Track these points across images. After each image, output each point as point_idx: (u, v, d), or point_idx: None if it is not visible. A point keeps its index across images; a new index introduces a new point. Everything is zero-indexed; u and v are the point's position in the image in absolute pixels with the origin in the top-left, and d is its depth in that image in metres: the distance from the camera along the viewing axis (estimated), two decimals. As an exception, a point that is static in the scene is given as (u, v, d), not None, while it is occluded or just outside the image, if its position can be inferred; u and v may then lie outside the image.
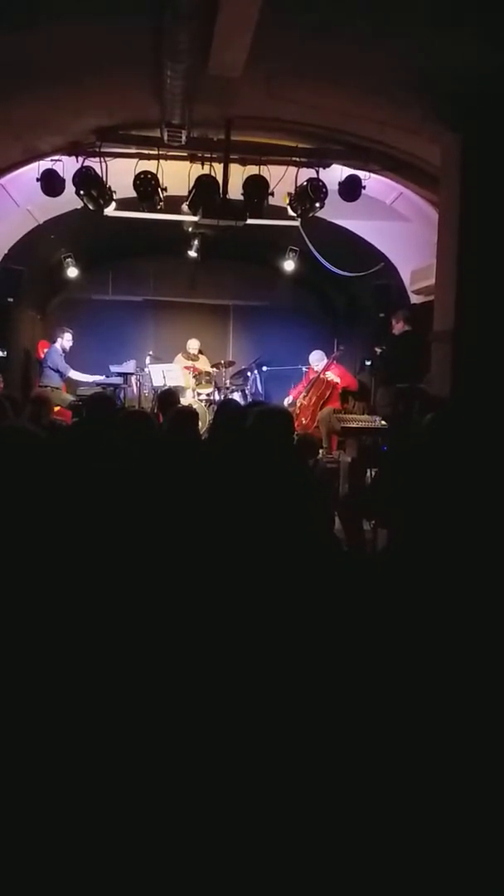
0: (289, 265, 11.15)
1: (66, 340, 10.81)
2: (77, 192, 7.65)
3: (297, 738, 2.20)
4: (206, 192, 7.63)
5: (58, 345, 10.73)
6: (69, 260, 11.06)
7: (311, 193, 7.79)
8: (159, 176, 7.78)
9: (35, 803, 1.93)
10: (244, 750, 2.11)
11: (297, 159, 7.83)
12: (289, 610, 2.87)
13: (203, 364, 11.78)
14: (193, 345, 11.82)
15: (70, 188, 7.68)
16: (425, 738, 2.19)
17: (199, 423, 7.65)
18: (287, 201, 8.23)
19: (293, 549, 3.32)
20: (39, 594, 2.65)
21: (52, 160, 7.63)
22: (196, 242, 10.98)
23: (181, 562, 3.11)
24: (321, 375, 10.48)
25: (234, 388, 11.56)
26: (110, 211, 8.42)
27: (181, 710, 2.27)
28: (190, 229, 10.02)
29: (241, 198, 7.88)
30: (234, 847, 1.78)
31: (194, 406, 9.83)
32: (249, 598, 2.95)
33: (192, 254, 11.33)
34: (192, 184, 7.76)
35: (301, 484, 3.96)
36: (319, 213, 8.50)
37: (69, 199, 8.03)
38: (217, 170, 7.72)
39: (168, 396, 7.44)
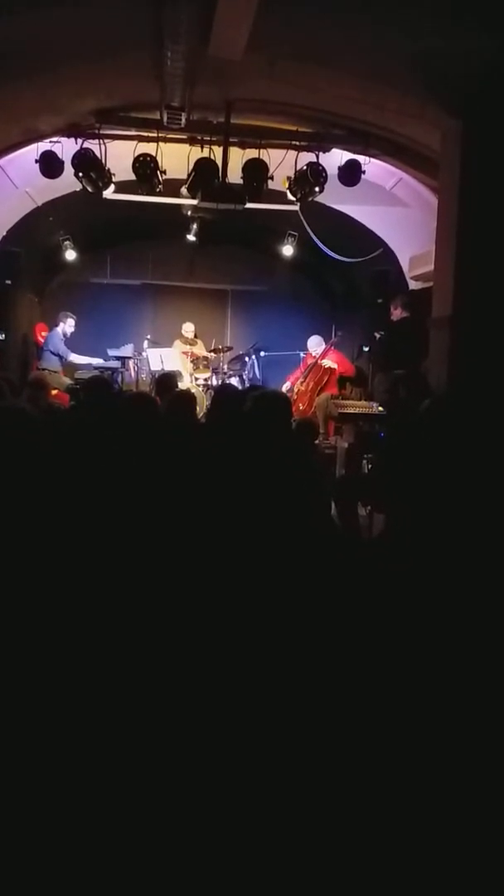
0: (287, 250, 11.12)
1: (68, 325, 10.78)
2: (76, 174, 7.62)
3: (297, 727, 2.20)
4: (205, 176, 7.60)
5: (59, 329, 10.71)
6: (67, 243, 11.01)
7: (310, 177, 7.77)
8: (159, 159, 7.75)
9: (35, 800, 1.93)
10: (244, 742, 2.11)
11: (297, 143, 7.80)
12: (286, 595, 2.88)
13: (200, 349, 11.77)
14: (188, 328, 11.80)
15: (69, 170, 7.64)
16: (425, 728, 2.19)
17: (197, 408, 7.67)
18: (286, 185, 8.20)
19: (291, 533, 3.33)
20: (36, 579, 2.66)
21: (50, 142, 7.59)
22: (195, 226, 10.95)
23: (180, 545, 3.12)
24: (319, 361, 10.47)
25: (231, 373, 11.55)
26: (109, 194, 8.39)
27: (180, 698, 2.27)
28: (189, 213, 9.99)
29: (241, 181, 7.85)
30: (235, 845, 1.78)
31: (192, 391, 9.83)
32: (247, 583, 2.96)
33: (191, 238, 11.29)
34: (191, 167, 7.73)
35: (299, 468, 3.97)
36: (319, 198, 8.47)
37: (68, 182, 8.00)
38: (217, 153, 7.69)
39: (166, 380, 7.44)
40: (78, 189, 8.24)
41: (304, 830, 1.89)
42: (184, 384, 10.14)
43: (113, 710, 2.18)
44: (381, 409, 8.24)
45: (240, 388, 9.61)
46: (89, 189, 7.97)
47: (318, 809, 1.95)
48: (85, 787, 1.92)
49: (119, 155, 7.87)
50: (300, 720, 2.21)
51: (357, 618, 2.84)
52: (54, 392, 9.19)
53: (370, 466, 6.83)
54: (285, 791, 1.98)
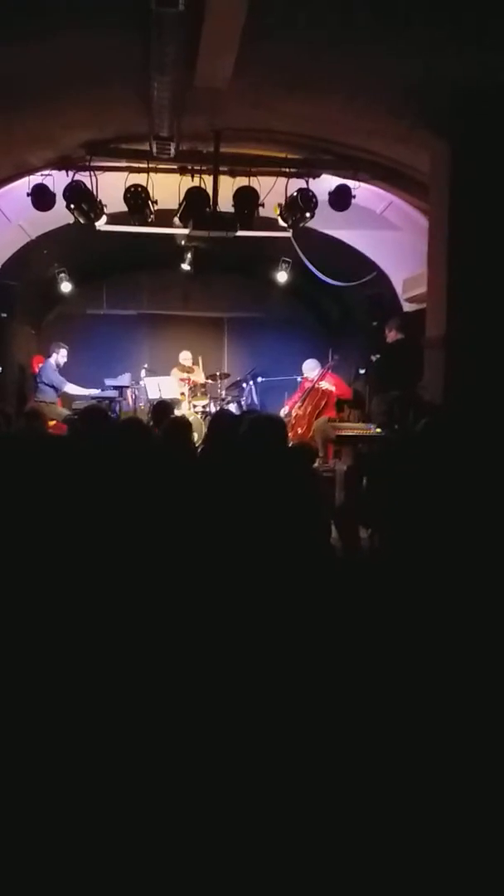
0: (282, 276, 11.17)
1: (61, 356, 10.79)
2: (68, 206, 7.68)
3: (296, 742, 2.18)
4: (196, 204, 7.65)
5: (52, 360, 10.72)
6: (63, 275, 11.08)
7: (301, 203, 7.81)
8: (150, 189, 7.81)
9: (35, 802, 1.92)
10: (243, 753, 2.09)
11: (287, 170, 7.85)
12: (283, 615, 2.85)
13: (198, 376, 11.79)
14: (186, 356, 11.83)
15: (61, 202, 7.70)
16: (422, 740, 2.17)
17: (195, 435, 7.66)
18: (278, 212, 8.25)
19: (288, 556, 3.31)
20: (31, 604, 2.64)
21: (42, 175, 7.66)
22: (189, 256, 11.01)
23: (176, 569, 3.10)
24: (316, 385, 10.48)
25: (229, 399, 11.56)
26: (102, 225, 8.45)
27: (180, 718, 2.25)
28: (182, 242, 10.06)
29: (232, 209, 7.90)
30: (234, 846, 1.77)
31: (190, 418, 9.83)
32: (243, 607, 2.93)
33: (186, 267, 11.35)
34: (182, 196, 7.79)
35: (297, 490, 3.95)
36: (311, 224, 8.52)
37: (61, 214, 8.06)
38: (207, 182, 7.75)
39: (162, 408, 7.44)
40: (71, 221, 8.30)
41: (304, 832, 1.87)
42: (181, 412, 10.15)
43: (115, 723, 2.16)
44: (378, 430, 8.22)
45: (237, 413, 9.60)
46: (81, 221, 8.02)
47: (318, 813, 1.93)
48: (84, 796, 1.90)
49: (110, 186, 7.95)
50: (299, 732, 2.19)
51: (356, 638, 2.81)
52: (52, 423, 9.18)
53: (367, 488, 6.81)
54: (284, 795, 1.96)
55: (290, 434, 9.90)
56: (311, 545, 3.74)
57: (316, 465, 8.17)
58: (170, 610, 2.85)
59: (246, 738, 2.22)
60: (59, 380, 10.59)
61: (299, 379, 10.98)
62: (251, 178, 7.83)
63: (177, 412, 8.72)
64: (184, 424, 5.60)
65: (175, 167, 7.79)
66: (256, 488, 3.68)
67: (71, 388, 10.72)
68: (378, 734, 2.26)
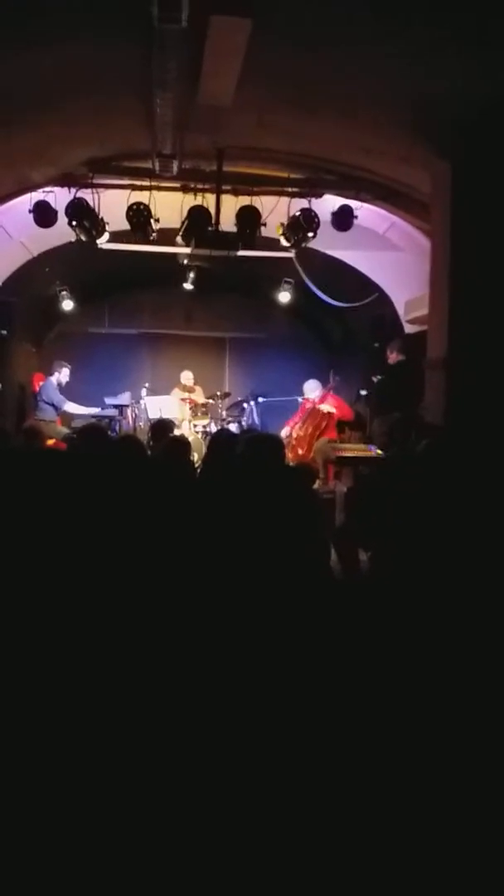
0: (284, 297, 11.16)
1: (62, 375, 10.74)
2: (69, 223, 7.67)
3: (295, 759, 2.13)
4: (198, 223, 7.64)
5: (54, 378, 10.68)
6: (64, 293, 11.07)
7: (303, 223, 7.81)
8: (152, 207, 7.80)
9: (35, 805, 1.89)
10: (241, 770, 2.05)
11: (289, 189, 7.85)
12: (280, 636, 2.79)
13: (199, 396, 11.74)
14: (187, 376, 11.79)
15: (63, 219, 7.69)
16: (422, 757, 2.12)
17: (195, 455, 7.60)
18: (280, 232, 8.24)
19: (286, 576, 3.24)
20: (25, 621, 2.58)
21: (44, 191, 7.65)
22: (191, 275, 11.01)
23: (171, 588, 3.04)
24: (317, 406, 10.43)
25: (230, 419, 11.50)
26: (104, 243, 8.44)
27: (178, 738, 2.20)
28: (185, 262, 10.06)
29: (234, 229, 7.89)
30: (233, 846, 1.75)
31: (190, 438, 9.77)
32: (239, 627, 2.87)
33: (188, 286, 11.34)
34: (184, 215, 7.78)
35: (294, 509, 3.88)
36: (313, 245, 8.52)
37: (63, 232, 8.05)
38: (210, 201, 7.74)
39: (162, 426, 7.39)
40: (73, 239, 8.28)
41: (304, 834, 1.84)
42: (182, 431, 10.10)
43: (112, 741, 2.12)
44: (380, 452, 8.17)
45: (237, 433, 9.55)
46: (83, 238, 8.01)
47: (318, 819, 1.90)
48: (84, 799, 1.87)
49: (112, 204, 7.94)
50: (296, 758, 2.14)
51: (354, 659, 2.75)
52: (51, 442, 9.13)
53: (368, 509, 6.73)
54: (283, 813, 1.92)
55: (290, 455, 9.85)
56: (309, 565, 3.67)
57: (316, 486, 8.11)
58: (164, 629, 2.78)
59: (244, 755, 2.17)
60: (60, 398, 10.54)
61: (300, 399, 10.93)
62: (253, 197, 7.82)
63: (177, 432, 8.67)
64: (182, 443, 5.53)
65: (177, 185, 7.79)
66: (254, 507, 3.62)
67: (71, 407, 10.67)
68: (378, 752, 2.21)
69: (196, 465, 6.53)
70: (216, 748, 2.26)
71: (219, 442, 6.17)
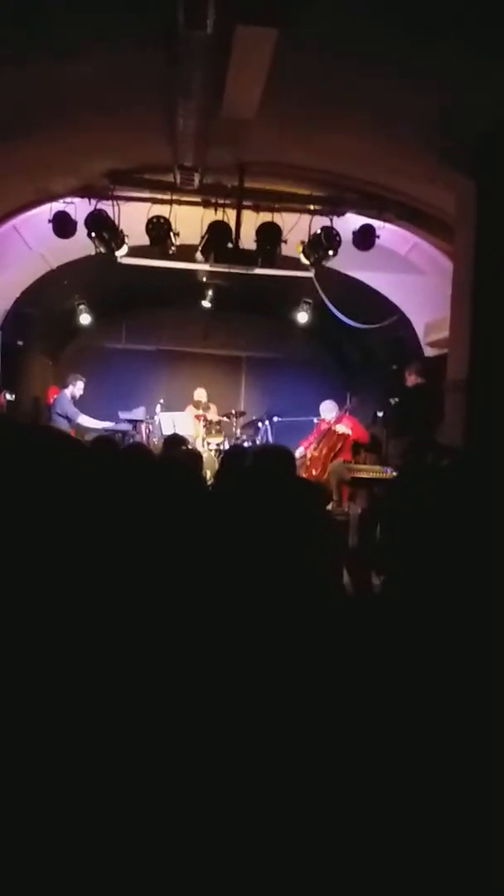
0: (302, 317, 11.11)
1: (77, 388, 10.73)
2: (89, 235, 7.64)
3: (301, 773, 2.05)
4: (218, 238, 7.61)
5: (68, 391, 10.66)
6: (82, 307, 11.06)
7: (324, 241, 7.75)
8: (172, 222, 7.77)
9: (34, 806, 1.82)
10: (243, 783, 1.98)
11: (312, 207, 7.79)
12: (287, 647, 2.69)
13: (213, 414, 11.68)
14: (201, 394, 11.74)
15: (82, 233, 7.66)
16: (428, 772, 2.04)
17: (207, 472, 7.50)
18: (300, 249, 8.19)
19: (294, 590, 3.13)
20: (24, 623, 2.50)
21: (64, 202, 7.63)
22: (210, 293, 10.98)
23: (175, 595, 2.93)
24: (332, 427, 10.33)
25: (244, 438, 11.42)
26: (123, 257, 8.40)
27: (185, 750, 2.12)
28: (204, 279, 10.03)
29: (254, 245, 7.85)
30: (233, 848, 1.73)
31: (203, 455, 9.69)
32: (245, 636, 2.75)
33: (206, 304, 11.31)
34: (204, 230, 7.75)
35: (305, 526, 3.76)
36: (333, 265, 8.45)
37: (82, 245, 8.03)
38: (230, 216, 7.70)
39: (174, 441, 7.30)
40: (92, 253, 8.26)
41: (304, 836, 1.79)
42: (195, 448, 10.02)
43: (114, 749, 2.05)
44: (395, 474, 8.05)
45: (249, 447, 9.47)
46: (102, 250, 7.98)
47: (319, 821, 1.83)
48: (83, 804, 1.81)
49: (132, 219, 7.92)
50: (303, 771, 2.06)
51: (365, 676, 2.63)
52: (62, 454, 9.05)
53: (381, 531, 6.61)
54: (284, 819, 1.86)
55: (304, 475, 9.74)
56: (319, 578, 3.56)
57: (330, 507, 7.99)
58: (167, 635, 2.68)
59: (250, 760, 2.08)
60: (74, 411, 10.51)
61: (316, 420, 10.84)
62: (275, 213, 7.77)
63: (189, 447, 8.59)
64: (194, 456, 5.45)
65: (198, 200, 7.74)
66: (262, 517, 3.51)
67: (85, 420, 10.64)
68: (385, 766, 2.12)
69: (208, 482, 6.44)
70: (221, 752, 2.16)
71: (231, 456, 6.09)
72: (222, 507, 3.57)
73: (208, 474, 7.65)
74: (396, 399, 9.11)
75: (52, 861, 1.69)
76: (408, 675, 2.63)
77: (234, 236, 7.63)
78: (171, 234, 7.74)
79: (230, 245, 7.71)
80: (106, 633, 2.67)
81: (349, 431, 10.21)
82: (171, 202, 7.69)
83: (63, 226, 7.59)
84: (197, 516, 3.49)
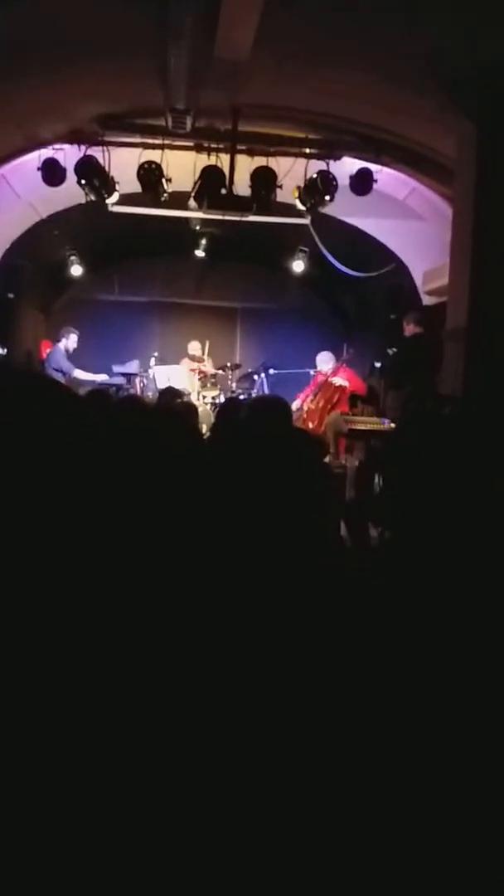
0: (298, 266, 10.94)
1: (70, 341, 10.59)
2: (79, 182, 7.44)
3: (299, 744, 2.01)
4: (211, 184, 7.42)
5: (61, 345, 10.53)
6: (73, 258, 10.87)
7: (321, 186, 7.58)
8: (164, 167, 7.57)
9: (34, 804, 1.79)
10: (243, 759, 1.93)
11: (307, 150, 7.59)
12: (287, 608, 2.63)
13: (208, 367, 11.56)
14: (195, 346, 11.60)
15: (72, 179, 7.47)
16: (429, 743, 1.99)
17: (203, 426, 7.42)
18: (296, 195, 8.01)
19: (292, 544, 3.07)
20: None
21: (53, 149, 7.42)
22: (204, 242, 10.80)
23: (169, 559, 2.87)
24: (329, 379, 10.22)
25: (240, 391, 11.32)
26: (114, 205, 8.21)
27: (183, 718, 2.07)
28: (197, 227, 9.84)
29: (249, 191, 7.67)
30: (233, 848, 1.70)
31: (199, 409, 9.60)
32: (242, 599, 2.69)
33: (200, 254, 11.12)
34: (197, 176, 7.56)
35: (302, 476, 3.69)
36: (329, 211, 8.28)
37: (72, 193, 7.83)
38: (224, 161, 7.50)
39: (169, 394, 7.21)
40: (83, 201, 8.06)
41: (304, 835, 1.77)
42: (190, 401, 9.92)
43: (109, 726, 2.00)
44: (393, 425, 7.98)
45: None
46: (93, 197, 7.79)
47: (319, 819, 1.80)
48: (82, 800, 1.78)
49: (124, 166, 7.71)
50: (303, 735, 2.02)
51: (364, 639, 2.58)
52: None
53: (381, 485, 6.55)
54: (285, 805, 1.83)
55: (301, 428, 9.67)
56: (317, 534, 3.51)
57: (327, 460, 7.93)
58: (163, 606, 2.62)
59: (251, 739, 2.04)
60: (68, 365, 10.39)
61: (312, 372, 10.73)
62: (269, 158, 7.58)
63: (184, 400, 8.50)
64: (189, 409, 5.37)
65: (191, 144, 7.54)
66: (258, 473, 3.44)
67: (79, 374, 10.52)
68: (386, 736, 2.07)
69: (204, 435, 6.36)
70: (219, 717, 2.12)
71: (227, 409, 6.01)
72: (217, 459, 3.49)
73: (204, 427, 7.57)
74: (394, 349, 9.00)
75: (52, 860, 1.68)
76: (411, 629, 2.57)
77: (227, 182, 7.45)
78: (163, 179, 7.56)
79: (224, 191, 7.52)
80: (100, 589, 2.61)
81: (346, 383, 10.12)
82: (162, 147, 7.49)
83: (52, 173, 7.40)
84: (191, 468, 3.41)
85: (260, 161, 7.58)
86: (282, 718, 2.12)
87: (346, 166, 7.76)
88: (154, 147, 7.50)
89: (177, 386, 10.31)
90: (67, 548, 2.54)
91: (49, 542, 2.46)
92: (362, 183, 7.63)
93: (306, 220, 8.60)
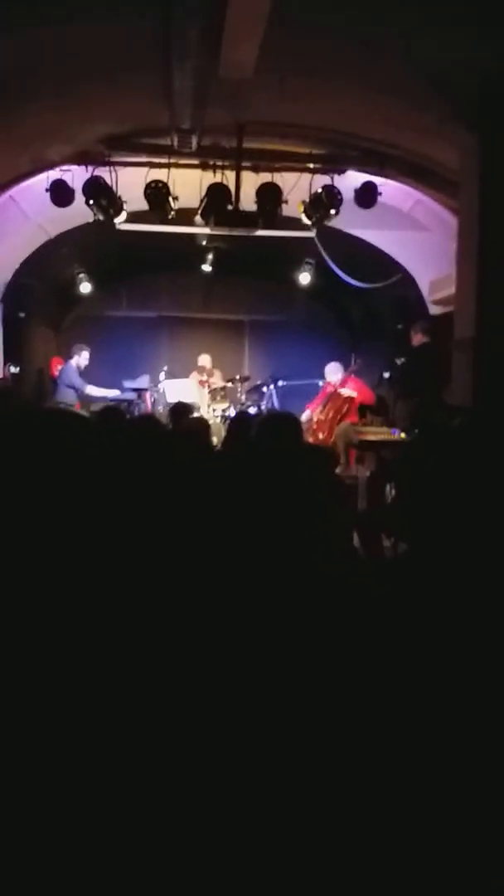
0: (304, 278, 11.00)
1: (82, 358, 10.65)
2: (87, 202, 7.53)
3: (296, 741, 2.04)
4: (218, 201, 7.49)
5: (73, 361, 10.60)
6: (82, 275, 10.97)
7: (325, 200, 7.63)
8: (170, 186, 7.65)
9: (34, 803, 1.83)
10: (245, 756, 1.96)
11: (312, 165, 7.66)
12: (288, 612, 2.68)
13: (217, 379, 11.61)
14: (205, 359, 11.66)
15: (80, 200, 7.56)
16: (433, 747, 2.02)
17: (214, 439, 7.46)
18: (301, 209, 8.07)
19: (304, 554, 3.12)
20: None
21: (61, 170, 7.52)
22: (210, 256, 10.87)
23: (181, 571, 2.92)
24: (337, 390, 10.26)
25: (249, 403, 11.35)
26: (122, 223, 8.30)
27: (180, 715, 2.11)
28: (204, 243, 9.91)
29: (255, 207, 7.73)
30: (233, 848, 1.73)
31: (209, 422, 9.64)
32: (252, 611, 2.74)
33: (207, 268, 11.19)
34: (203, 193, 7.63)
35: (313, 491, 3.73)
36: (335, 224, 8.34)
37: (80, 213, 7.92)
38: (229, 178, 7.58)
39: (181, 409, 7.26)
40: (91, 220, 8.16)
41: (305, 835, 1.79)
42: (200, 415, 9.97)
43: (108, 724, 2.04)
44: (403, 435, 8.00)
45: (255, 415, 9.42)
46: (101, 217, 7.87)
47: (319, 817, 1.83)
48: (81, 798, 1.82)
49: (130, 184, 7.79)
50: (308, 737, 2.05)
51: (366, 643, 2.62)
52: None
53: (393, 495, 6.59)
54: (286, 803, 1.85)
55: (311, 439, 9.69)
56: (322, 542, 3.55)
57: (338, 471, 7.95)
58: (171, 614, 2.67)
59: (249, 735, 2.07)
60: (80, 382, 10.46)
61: (321, 383, 10.77)
62: (274, 174, 7.65)
63: (196, 415, 8.55)
64: (202, 425, 5.42)
65: (196, 163, 7.62)
66: (268, 488, 3.48)
67: (91, 390, 10.59)
68: (384, 738, 2.10)
69: (215, 449, 6.41)
70: (221, 718, 2.15)
71: (237, 423, 6.06)
72: (230, 479, 3.54)
73: (215, 440, 7.62)
74: (402, 359, 9.03)
75: (52, 860, 1.69)
76: (423, 639, 2.61)
77: (233, 198, 7.52)
78: (170, 198, 7.63)
79: (230, 207, 7.59)
80: (109, 599, 2.65)
81: (355, 394, 10.14)
82: (168, 166, 7.57)
83: (60, 194, 7.49)
84: (205, 483, 3.46)
85: (265, 176, 7.64)
86: (279, 716, 2.16)
87: (350, 180, 7.82)
88: (160, 166, 7.58)
89: (186, 400, 10.36)
90: (82, 561, 2.59)
91: (63, 560, 2.51)
92: (367, 196, 7.69)
93: (312, 234, 8.66)
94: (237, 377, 11.56)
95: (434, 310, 9.19)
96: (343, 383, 10.30)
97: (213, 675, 2.32)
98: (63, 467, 2.98)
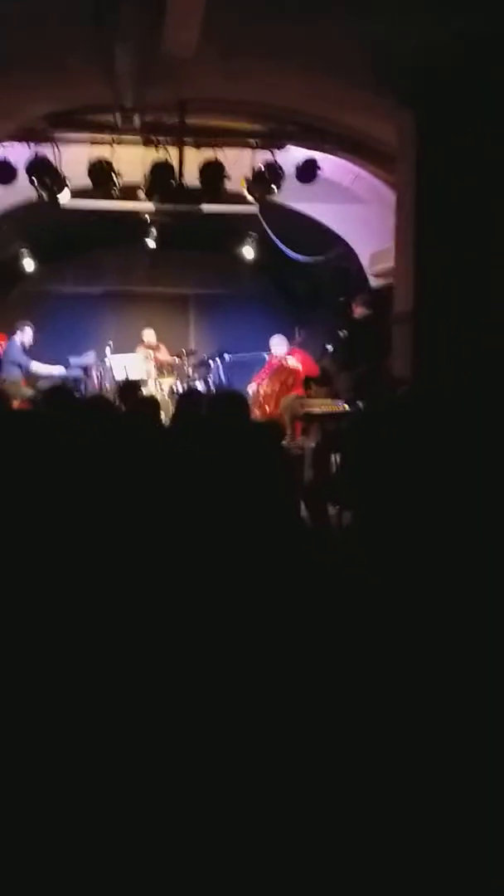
0: (248, 252, 11.07)
1: (26, 335, 10.57)
2: (29, 180, 7.50)
3: (279, 727, 2.12)
4: (162, 178, 7.54)
5: (17, 339, 10.51)
6: (24, 252, 10.87)
7: (267, 176, 7.74)
8: (114, 162, 7.66)
9: (33, 802, 1.88)
10: (229, 748, 2.04)
11: (252, 141, 7.74)
12: (256, 592, 2.80)
13: (163, 354, 11.65)
14: (150, 334, 11.67)
15: (22, 176, 7.52)
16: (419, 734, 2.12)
17: (162, 414, 7.55)
18: (244, 185, 8.15)
19: (256, 531, 3.25)
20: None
21: (2, 146, 7.47)
22: (154, 231, 10.86)
23: (137, 550, 3.03)
24: (282, 363, 10.40)
25: (196, 378, 11.43)
26: (66, 200, 8.27)
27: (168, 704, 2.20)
28: (148, 218, 9.90)
29: (198, 183, 7.79)
30: (233, 848, 1.76)
31: (157, 397, 9.70)
32: (213, 586, 2.87)
33: (151, 243, 11.19)
34: (147, 170, 7.66)
35: (261, 467, 3.89)
36: (278, 198, 8.43)
37: (23, 189, 7.88)
38: (172, 154, 7.62)
39: (129, 387, 7.34)
40: (33, 197, 8.12)
41: (304, 835, 1.86)
42: (148, 391, 10.02)
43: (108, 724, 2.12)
44: (346, 407, 8.19)
45: (204, 392, 9.51)
46: (44, 195, 7.85)
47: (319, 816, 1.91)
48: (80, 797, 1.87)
49: (74, 161, 7.78)
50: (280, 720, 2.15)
51: (331, 620, 2.76)
52: (16, 403, 9.02)
53: (337, 465, 6.78)
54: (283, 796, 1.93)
55: (258, 412, 9.83)
56: (280, 520, 3.69)
57: (284, 442, 8.10)
58: (131, 593, 2.78)
59: (240, 728, 2.15)
60: (25, 359, 10.40)
61: (267, 356, 10.89)
62: (217, 149, 7.71)
63: (143, 391, 8.62)
64: (151, 403, 5.52)
65: (139, 139, 7.64)
66: (220, 465, 3.61)
67: (37, 367, 10.54)
68: (373, 725, 2.19)
69: (164, 425, 6.51)
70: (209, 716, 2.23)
71: (187, 401, 6.16)
72: (180, 458, 3.66)
73: (163, 416, 7.71)
74: (344, 331, 9.19)
75: (52, 860, 1.74)
76: (375, 606, 2.77)
77: (177, 175, 7.57)
78: (114, 175, 7.64)
79: (174, 184, 7.64)
80: (82, 579, 2.77)
81: (299, 366, 10.29)
82: (111, 143, 7.58)
83: (2, 172, 7.46)
84: (160, 468, 3.58)
85: (208, 152, 7.70)
86: (249, 695, 2.26)
87: (291, 156, 7.93)
88: (103, 143, 7.59)
89: (133, 374, 10.40)
90: (33, 542, 2.69)
91: (18, 540, 2.61)
92: (307, 172, 7.82)
93: (255, 209, 8.73)
94: (183, 351, 11.61)
95: (375, 282, 9.35)
96: (288, 356, 10.44)
97: (175, 642, 2.44)
98: (18, 457, 3.09)
